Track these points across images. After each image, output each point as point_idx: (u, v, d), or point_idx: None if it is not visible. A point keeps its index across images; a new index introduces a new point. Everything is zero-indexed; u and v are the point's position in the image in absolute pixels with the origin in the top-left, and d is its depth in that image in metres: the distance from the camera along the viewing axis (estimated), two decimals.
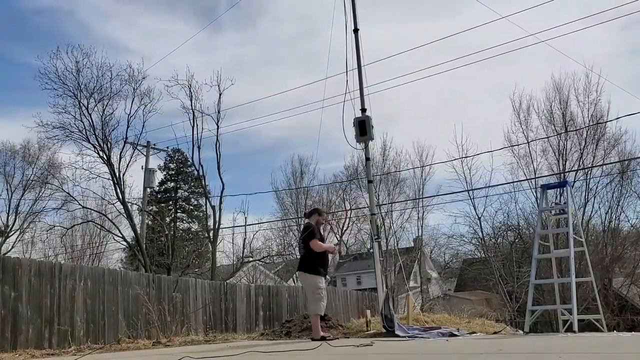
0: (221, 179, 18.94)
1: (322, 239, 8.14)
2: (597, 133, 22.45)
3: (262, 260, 27.73)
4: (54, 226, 24.14)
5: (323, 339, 7.58)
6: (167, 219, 31.96)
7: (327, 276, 8.01)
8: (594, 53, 39.73)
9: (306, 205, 30.14)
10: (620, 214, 23.09)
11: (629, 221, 24.13)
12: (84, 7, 48.60)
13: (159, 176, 30.95)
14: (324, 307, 7.73)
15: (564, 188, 10.01)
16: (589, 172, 22.49)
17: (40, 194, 27.33)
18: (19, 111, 53.60)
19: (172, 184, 35.30)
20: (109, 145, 17.65)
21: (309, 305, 7.82)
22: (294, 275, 31.43)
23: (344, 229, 30.14)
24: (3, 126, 50.28)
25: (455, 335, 7.66)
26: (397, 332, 7.66)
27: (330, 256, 8.21)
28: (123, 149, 18.19)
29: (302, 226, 9.17)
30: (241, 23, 54.09)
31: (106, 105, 17.40)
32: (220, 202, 19.31)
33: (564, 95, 23.19)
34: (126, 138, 18.01)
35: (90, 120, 17.14)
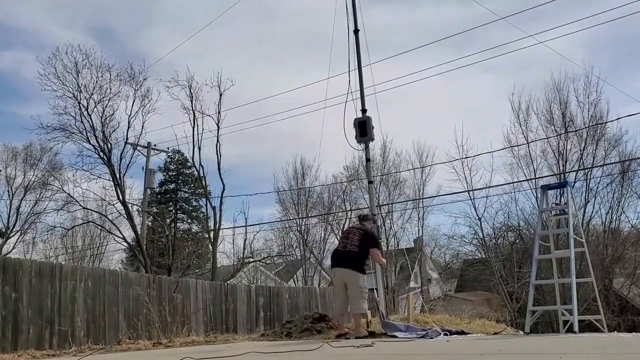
0: (222, 179, 18.87)
1: None
2: (597, 133, 22.42)
3: (263, 261, 27.69)
4: (55, 227, 24.16)
5: (372, 334, 7.81)
6: (168, 220, 31.95)
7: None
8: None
9: (307, 206, 30.09)
10: (620, 215, 23.03)
11: (629, 222, 24.05)
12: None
13: (159, 177, 30.95)
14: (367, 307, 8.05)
15: (564, 189, 10.03)
16: (589, 173, 22.46)
17: (41, 195, 27.36)
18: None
19: (172, 185, 35.32)
20: (109, 146, 17.64)
21: (353, 303, 7.88)
22: (295, 275, 31.42)
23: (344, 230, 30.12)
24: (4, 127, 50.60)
25: (464, 333, 7.75)
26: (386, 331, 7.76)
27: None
28: (123, 150, 18.19)
29: (351, 227, 9.33)
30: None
31: (106, 106, 17.38)
32: (221, 203, 19.23)
33: (564, 95, 23.16)
34: (126, 139, 17.99)
35: (91, 121, 17.13)
